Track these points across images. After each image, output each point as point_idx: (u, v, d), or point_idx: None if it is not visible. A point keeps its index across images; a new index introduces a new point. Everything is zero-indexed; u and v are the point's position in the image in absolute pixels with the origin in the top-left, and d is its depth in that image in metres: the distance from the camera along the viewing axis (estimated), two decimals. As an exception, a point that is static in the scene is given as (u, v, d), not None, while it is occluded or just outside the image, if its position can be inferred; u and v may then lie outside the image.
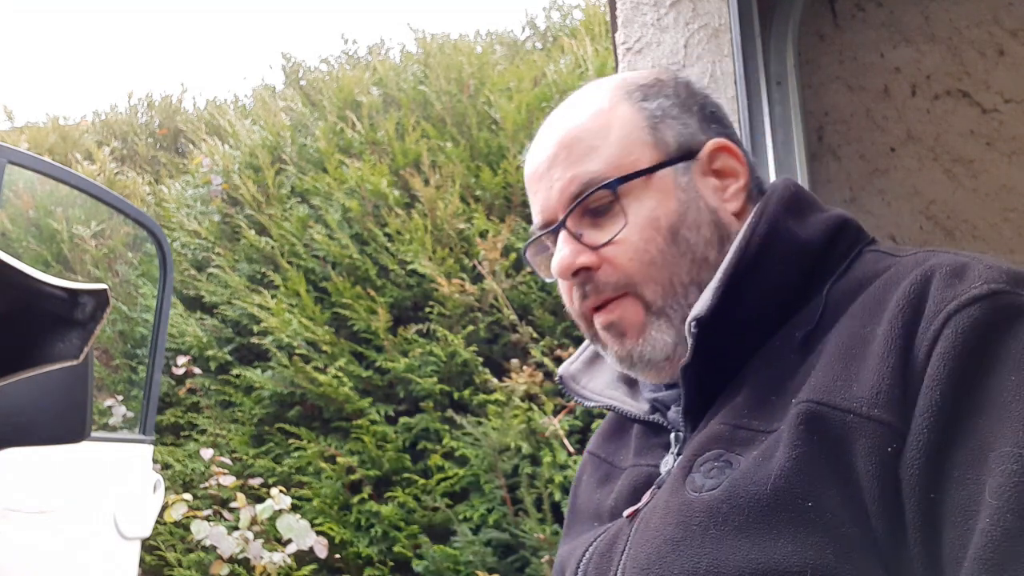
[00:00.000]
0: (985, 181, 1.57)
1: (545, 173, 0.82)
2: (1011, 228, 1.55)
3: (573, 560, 0.78)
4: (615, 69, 1.47)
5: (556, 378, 0.93)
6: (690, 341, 0.73)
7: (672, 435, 0.80)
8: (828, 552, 0.60)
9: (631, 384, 0.89)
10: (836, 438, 0.62)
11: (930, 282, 0.65)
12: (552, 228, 0.82)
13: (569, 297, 0.83)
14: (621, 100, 0.83)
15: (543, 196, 0.83)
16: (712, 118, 0.85)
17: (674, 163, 0.80)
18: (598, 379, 0.91)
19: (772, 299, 0.75)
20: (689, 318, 0.74)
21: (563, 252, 0.79)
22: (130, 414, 4.17)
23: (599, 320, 0.81)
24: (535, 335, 4.62)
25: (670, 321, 0.78)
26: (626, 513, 0.75)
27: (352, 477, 4.53)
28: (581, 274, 0.79)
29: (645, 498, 0.75)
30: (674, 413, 0.81)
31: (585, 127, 0.81)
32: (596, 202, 0.79)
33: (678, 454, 0.77)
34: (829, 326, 0.70)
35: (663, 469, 0.77)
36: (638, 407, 0.85)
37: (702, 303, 0.74)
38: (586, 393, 0.90)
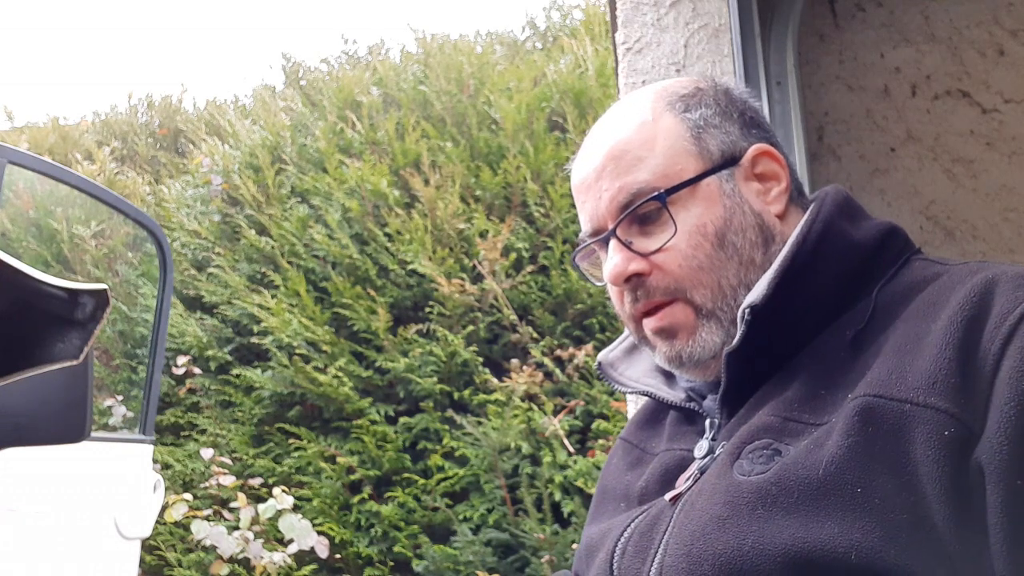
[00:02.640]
0: (985, 181, 1.57)
1: (593, 184, 0.85)
2: (1011, 228, 1.55)
3: (609, 540, 0.80)
4: (615, 69, 1.47)
5: (595, 364, 0.97)
6: (741, 328, 0.76)
7: (707, 421, 0.83)
8: (875, 536, 0.62)
9: (668, 374, 0.92)
10: (893, 427, 0.64)
11: (995, 285, 0.68)
12: (602, 237, 0.85)
13: (620, 301, 0.87)
14: (664, 111, 0.86)
15: (592, 206, 0.86)
16: (752, 123, 0.88)
17: (718, 171, 0.83)
18: (636, 367, 0.95)
19: (823, 296, 0.78)
20: (743, 305, 0.76)
21: (615, 260, 0.83)
22: (130, 414, 4.17)
23: (649, 325, 0.84)
24: (535, 335, 4.62)
25: (720, 322, 0.81)
26: (668, 496, 0.77)
27: (352, 477, 4.53)
28: (632, 280, 0.83)
29: (688, 482, 0.77)
30: (710, 401, 0.84)
31: (631, 139, 0.84)
32: (644, 211, 0.82)
33: (713, 439, 0.80)
34: (879, 327, 0.73)
35: (697, 453, 0.80)
36: (674, 395, 0.89)
37: (757, 292, 0.77)
38: (624, 380, 0.94)
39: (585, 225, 0.88)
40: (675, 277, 0.81)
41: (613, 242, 0.83)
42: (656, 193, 0.81)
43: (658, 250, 0.81)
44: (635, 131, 0.85)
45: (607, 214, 0.84)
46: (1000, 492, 0.60)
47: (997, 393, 0.62)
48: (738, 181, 0.84)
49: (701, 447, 0.80)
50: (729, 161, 0.84)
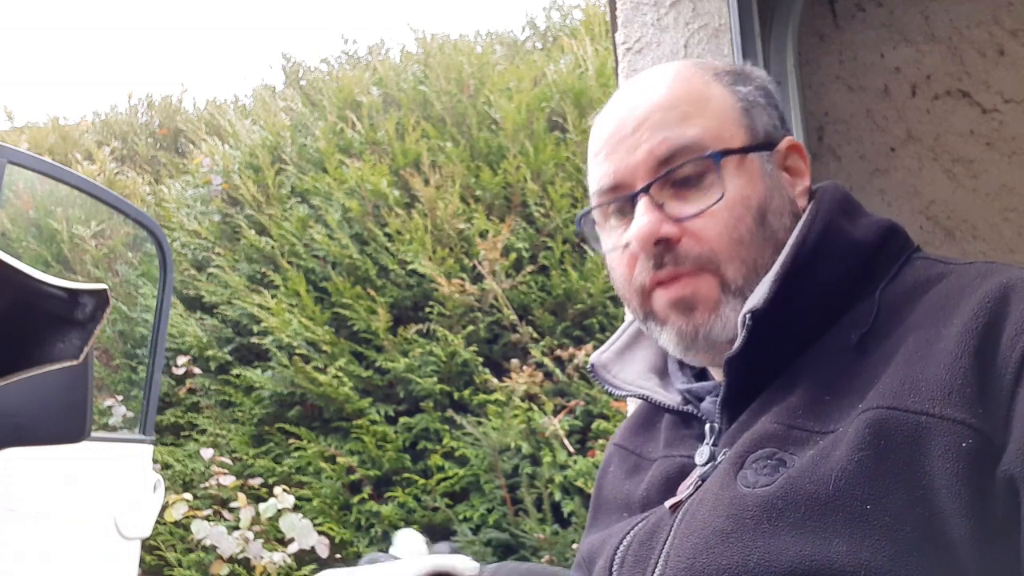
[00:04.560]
0: (985, 181, 1.57)
1: (629, 135, 0.79)
2: (1011, 228, 1.55)
3: (608, 548, 0.77)
4: (615, 69, 1.47)
5: (588, 366, 0.92)
6: (742, 333, 0.73)
7: (707, 426, 0.79)
8: (884, 554, 0.60)
9: (662, 375, 0.89)
10: (908, 440, 0.62)
11: (1011, 291, 0.66)
12: (629, 194, 0.78)
13: (630, 270, 0.80)
14: (712, 80, 0.81)
15: (620, 158, 0.79)
16: (781, 119, 0.85)
17: (762, 150, 0.80)
18: (629, 369, 0.90)
19: (825, 297, 0.75)
20: (744, 310, 0.73)
21: (645, 219, 0.76)
22: (130, 414, 4.17)
23: (666, 294, 0.78)
24: (535, 335, 4.62)
25: (746, 302, 0.76)
26: (668, 504, 0.74)
27: (352, 477, 4.53)
28: (660, 244, 0.76)
29: (688, 490, 0.74)
30: (708, 404, 0.81)
31: (680, 95, 0.79)
32: (687, 172, 0.77)
33: (714, 444, 0.77)
34: (885, 329, 0.71)
35: (698, 460, 0.77)
36: (670, 398, 0.85)
37: (758, 295, 0.74)
38: (617, 382, 0.89)
39: (604, 179, 0.80)
40: (712, 246, 0.76)
41: (644, 200, 0.76)
42: (710, 152, 0.76)
43: (697, 215, 0.76)
44: (683, 88, 0.79)
45: (640, 168, 0.77)
46: None
47: (1021, 402, 0.60)
48: (775, 166, 0.81)
49: (702, 453, 0.77)
50: (769, 144, 0.81)
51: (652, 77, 0.83)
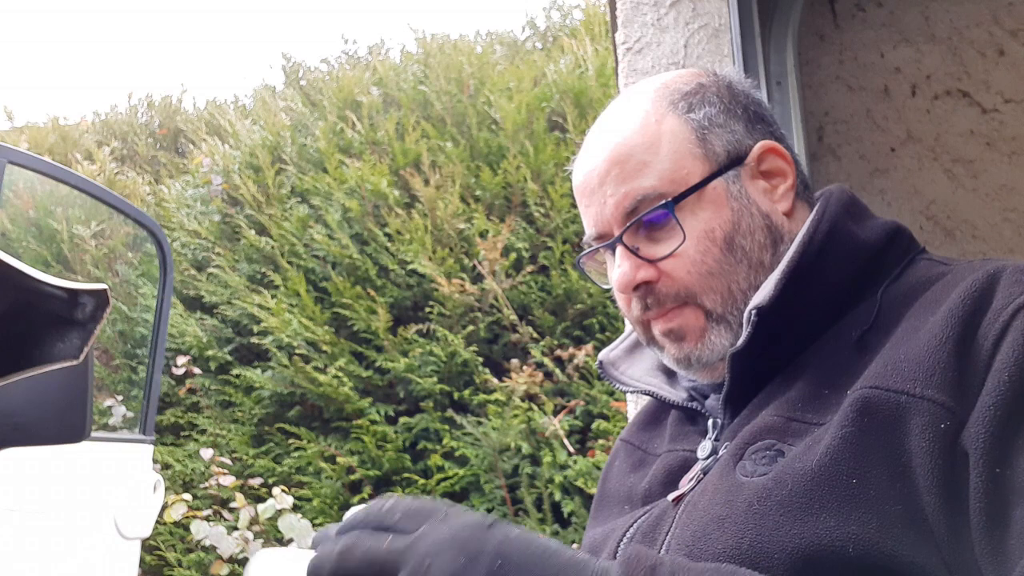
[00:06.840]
0: (985, 181, 1.57)
1: (597, 189, 0.84)
2: (1011, 228, 1.55)
3: (612, 541, 0.79)
4: (615, 69, 1.48)
5: (596, 363, 0.97)
6: (747, 329, 0.76)
7: (710, 422, 0.82)
8: (871, 527, 0.62)
9: (670, 373, 0.91)
10: (889, 417, 0.64)
11: (997, 279, 0.68)
12: (609, 243, 0.84)
13: (627, 306, 0.86)
14: (667, 112, 0.84)
15: (596, 211, 0.84)
16: (756, 118, 0.86)
17: (724, 172, 0.82)
18: (637, 366, 0.94)
19: (829, 296, 0.78)
20: (749, 307, 0.76)
21: (623, 268, 0.82)
22: (130, 414, 4.17)
23: (658, 327, 0.84)
24: (535, 335, 4.62)
25: (729, 326, 0.80)
26: (671, 496, 0.77)
27: (352, 477, 4.53)
28: (641, 288, 0.82)
29: (690, 483, 0.77)
30: (712, 401, 0.84)
31: (635, 142, 0.83)
32: (651, 217, 0.81)
33: (716, 439, 0.79)
34: (885, 327, 0.73)
35: (700, 454, 0.79)
36: (676, 394, 0.88)
37: (763, 293, 0.77)
38: (625, 379, 0.93)
39: (589, 229, 0.86)
40: (685, 284, 0.80)
41: (620, 249, 0.82)
42: (664, 202, 0.79)
43: (666, 257, 0.80)
44: (638, 133, 0.83)
45: (612, 220, 0.83)
46: (980, 479, 0.60)
47: (986, 384, 0.62)
48: (744, 181, 0.83)
49: (704, 447, 0.79)
50: (735, 161, 0.82)
51: (611, 122, 0.87)
